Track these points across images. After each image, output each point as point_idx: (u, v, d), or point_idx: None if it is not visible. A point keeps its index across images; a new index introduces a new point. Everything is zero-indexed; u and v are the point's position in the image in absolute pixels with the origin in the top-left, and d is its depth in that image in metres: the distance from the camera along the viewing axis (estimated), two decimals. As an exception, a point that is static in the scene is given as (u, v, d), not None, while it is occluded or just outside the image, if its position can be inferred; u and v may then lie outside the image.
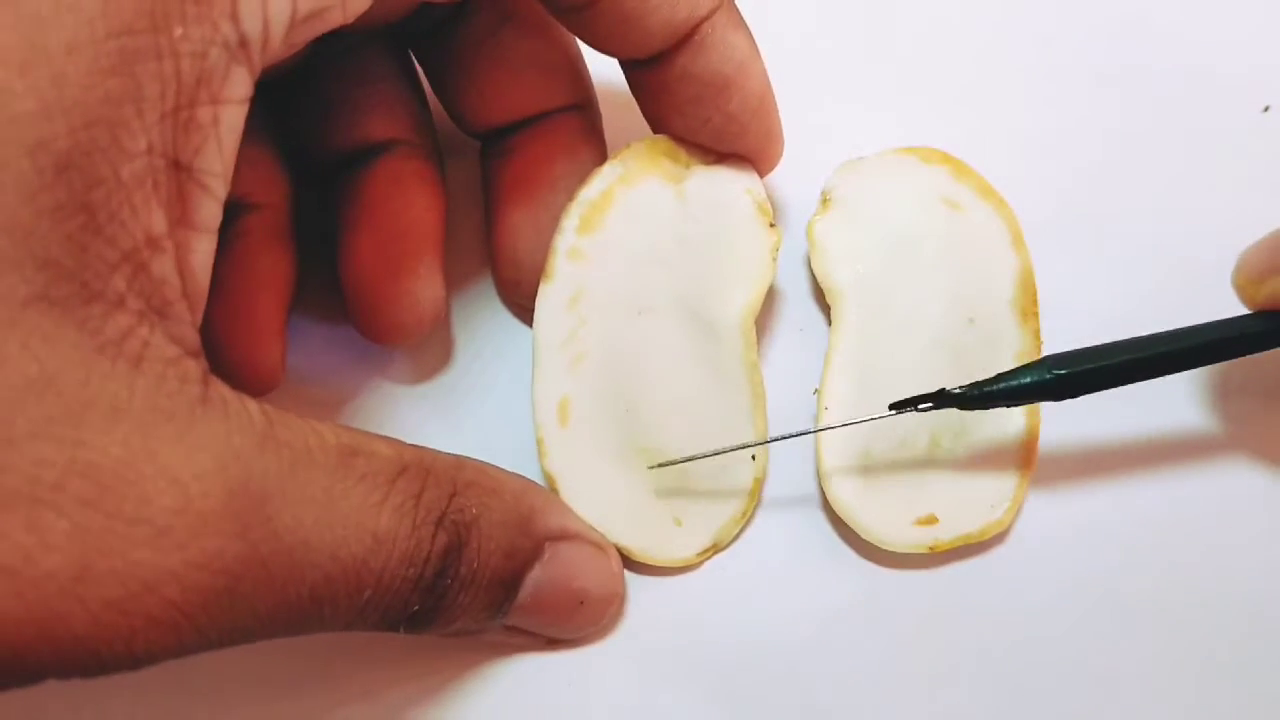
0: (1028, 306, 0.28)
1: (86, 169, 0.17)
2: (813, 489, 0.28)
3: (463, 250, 0.30)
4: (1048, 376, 0.24)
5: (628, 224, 0.27)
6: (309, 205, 0.28)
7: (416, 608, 0.22)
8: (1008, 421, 0.27)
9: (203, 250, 0.20)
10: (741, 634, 0.26)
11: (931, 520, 0.26)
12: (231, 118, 0.19)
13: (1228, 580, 0.27)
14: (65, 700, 0.25)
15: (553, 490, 0.26)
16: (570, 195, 0.27)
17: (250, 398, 0.20)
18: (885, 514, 0.26)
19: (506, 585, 0.23)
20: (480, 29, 0.27)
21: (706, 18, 0.25)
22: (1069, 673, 0.26)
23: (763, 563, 0.27)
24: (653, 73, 0.26)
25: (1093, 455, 0.28)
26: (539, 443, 0.26)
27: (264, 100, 0.26)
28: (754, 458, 0.26)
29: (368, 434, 0.21)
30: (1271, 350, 0.25)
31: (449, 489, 0.22)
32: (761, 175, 0.28)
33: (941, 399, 0.25)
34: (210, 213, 0.20)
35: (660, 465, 0.26)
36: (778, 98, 0.27)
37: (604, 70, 0.28)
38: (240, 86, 0.19)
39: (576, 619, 0.25)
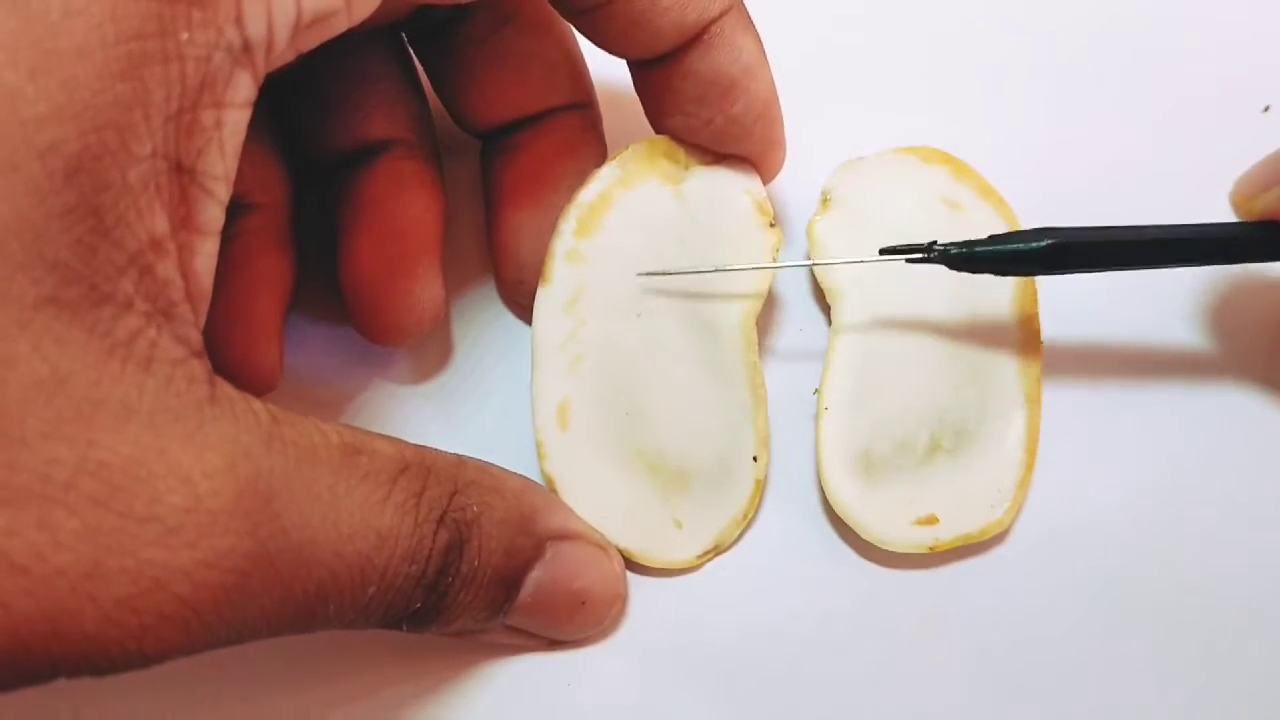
0: (1028, 306, 0.28)
1: (95, 172, 0.17)
2: (813, 489, 0.28)
3: (463, 250, 0.30)
4: (1040, 244, 0.24)
5: (626, 226, 0.27)
6: (309, 206, 0.28)
7: (419, 605, 0.22)
8: (1008, 422, 0.27)
9: (205, 252, 0.20)
10: (742, 634, 0.26)
11: (931, 520, 0.26)
12: (234, 121, 0.19)
13: (1227, 580, 0.27)
14: (67, 698, 0.25)
15: (553, 491, 0.26)
16: (571, 194, 0.27)
17: (255, 398, 0.20)
18: (885, 514, 0.26)
19: (507, 584, 0.23)
20: (481, 28, 0.27)
21: (717, 18, 0.25)
22: (1069, 673, 0.26)
23: (763, 563, 0.27)
24: (659, 71, 0.26)
25: (1093, 456, 0.28)
26: (538, 445, 0.26)
27: (263, 100, 0.26)
28: (755, 459, 0.26)
29: (369, 433, 0.22)
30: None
31: (450, 487, 0.22)
32: (764, 182, 0.28)
33: (931, 253, 0.25)
34: (213, 215, 0.20)
35: (644, 274, 0.26)
36: (779, 97, 0.27)
37: (604, 70, 0.28)
38: (243, 90, 0.19)
39: (578, 620, 0.25)
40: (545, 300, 0.26)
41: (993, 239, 0.25)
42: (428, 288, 0.27)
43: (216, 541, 0.18)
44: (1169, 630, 0.26)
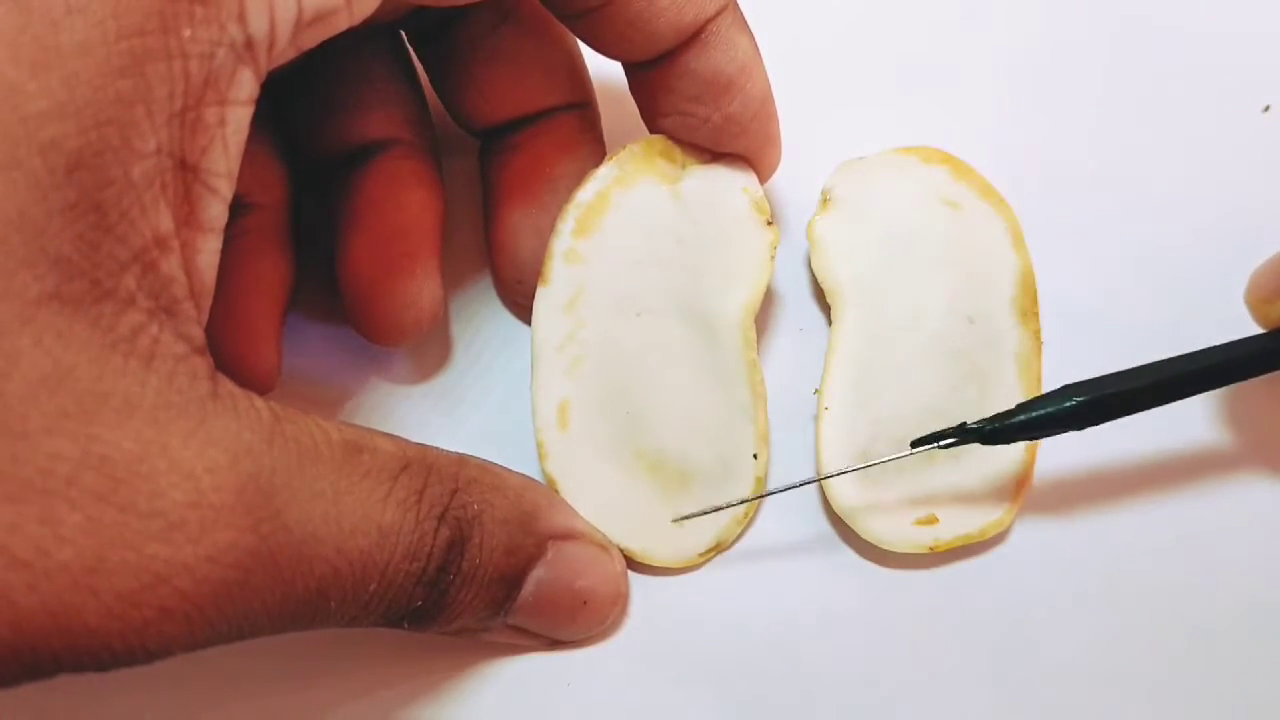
0: (1028, 306, 0.28)
1: (97, 168, 0.18)
2: (813, 489, 0.28)
3: (462, 250, 0.30)
4: (1069, 404, 0.24)
5: (625, 226, 0.27)
6: (308, 205, 0.28)
7: (420, 603, 0.22)
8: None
9: (209, 250, 0.20)
10: (742, 634, 0.26)
11: (931, 520, 0.26)
12: (237, 119, 0.19)
13: (1227, 580, 0.27)
14: (67, 697, 0.25)
15: (554, 490, 0.26)
16: (569, 194, 0.27)
17: (257, 395, 0.20)
18: (885, 514, 0.26)
19: (508, 583, 0.23)
20: (480, 27, 0.27)
21: (713, 18, 0.25)
22: (1069, 673, 0.26)
23: (763, 563, 0.27)
24: (654, 72, 0.26)
25: (1093, 456, 0.28)
26: (539, 445, 0.26)
27: (263, 99, 0.26)
28: (755, 457, 0.26)
29: (370, 431, 0.22)
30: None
31: (451, 485, 0.22)
32: (761, 181, 0.28)
33: (964, 434, 0.25)
34: (216, 212, 0.20)
35: (682, 519, 0.26)
36: (779, 97, 0.27)
37: (604, 70, 0.28)
38: (246, 88, 0.19)
39: (579, 620, 0.25)
40: (544, 300, 0.26)
41: (1020, 407, 0.25)
42: (426, 287, 0.27)
43: (219, 537, 0.18)
44: (1168, 630, 0.26)
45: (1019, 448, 0.27)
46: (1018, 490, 0.27)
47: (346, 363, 0.29)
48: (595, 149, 0.28)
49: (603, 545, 0.25)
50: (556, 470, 0.26)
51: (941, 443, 0.25)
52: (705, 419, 0.26)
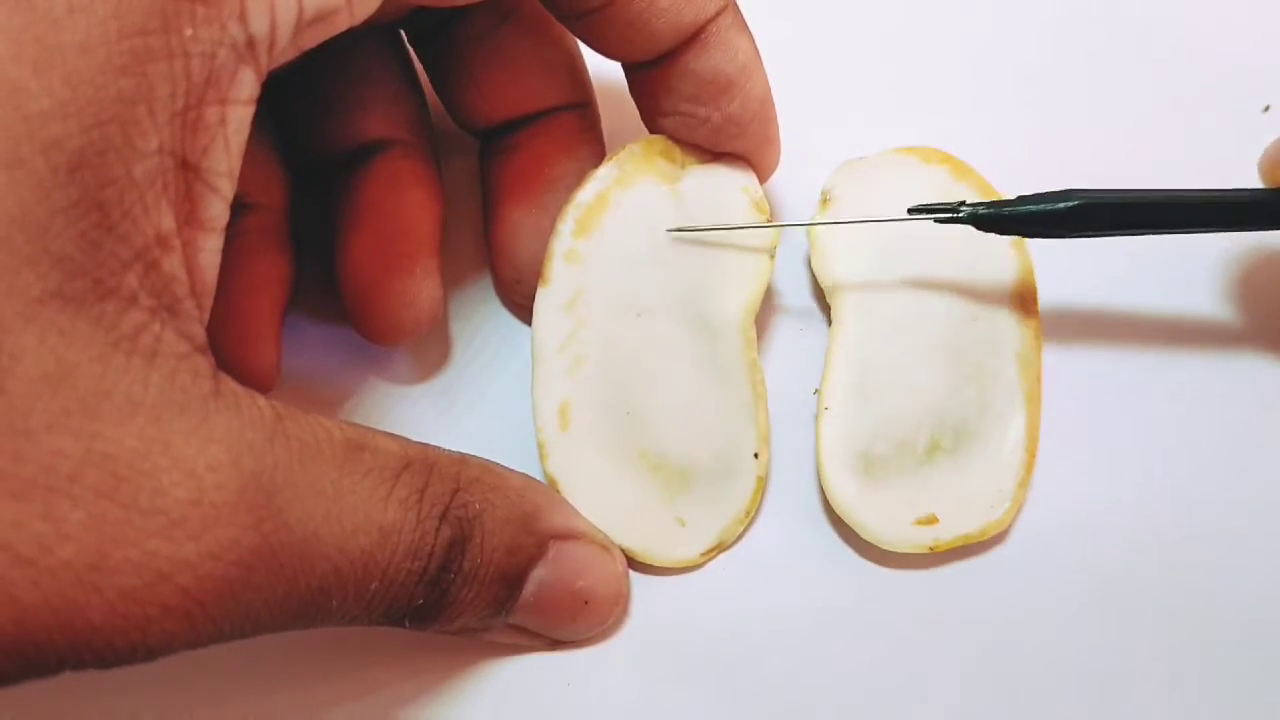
0: (1028, 306, 0.28)
1: (100, 167, 0.18)
2: (813, 489, 0.28)
3: (463, 250, 0.30)
4: (1068, 204, 0.24)
5: (624, 226, 0.27)
6: (308, 206, 0.28)
7: (421, 601, 0.22)
8: (1008, 422, 0.27)
9: (210, 249, 0.20)
10: (742, 634, 0.26)
11: (931, 520, 0.26)
12: (239, 118, 0.19)
13: (1228, 580, 0.27)
14: (69, 696, 0.25)
15: (556, 491, 0.26)
16: (569, 194, 0.27)
17: (259, 394, 0.20)
18: (885, 514, 0.26)
19: (510, 582, 0.23)
20: (480, 27, 0.27)
21: (713, 19, 0.25)
22: (1069, 673, 0.26)
23: (763, 563, 0.27)
24: (654, 72, 0.26)
25: (1093, 456, 0.28)
26: (540, 445, 0.26)
27: (263, 100, 0.26)
28: (756, 456, 0.26)
29: (372, 430, 0.22)
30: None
31: (452, 484, 0.22)
32: (760, 181, 0.28)
33: (958, 212, 0.25)
34: (217, 212, 0.20)
35: (674, 231, 0.26)
36: (779, 97, 0.27)
37: (604, 70, 0.28)
38: (247, 87, 0.19)
39: (580, 620, 0.25)
40: (545, 301, 0.26)
41: (1021, 199, 0.25)
42: (425, 287, 0.27)
43: (220, 534, 0.18)
44: (1169, 630, 0.26)
45: (1019, 448, 0.27)
46: (1018, 490, 0.27)
47: (346, 363, 0.29)
48: (595, 149, 0.28)
49: (604, 545, 0.25)
50: (557, 470, 0.26)
51: (936, 215, 0.25)
52: (706, 418, 0.26)
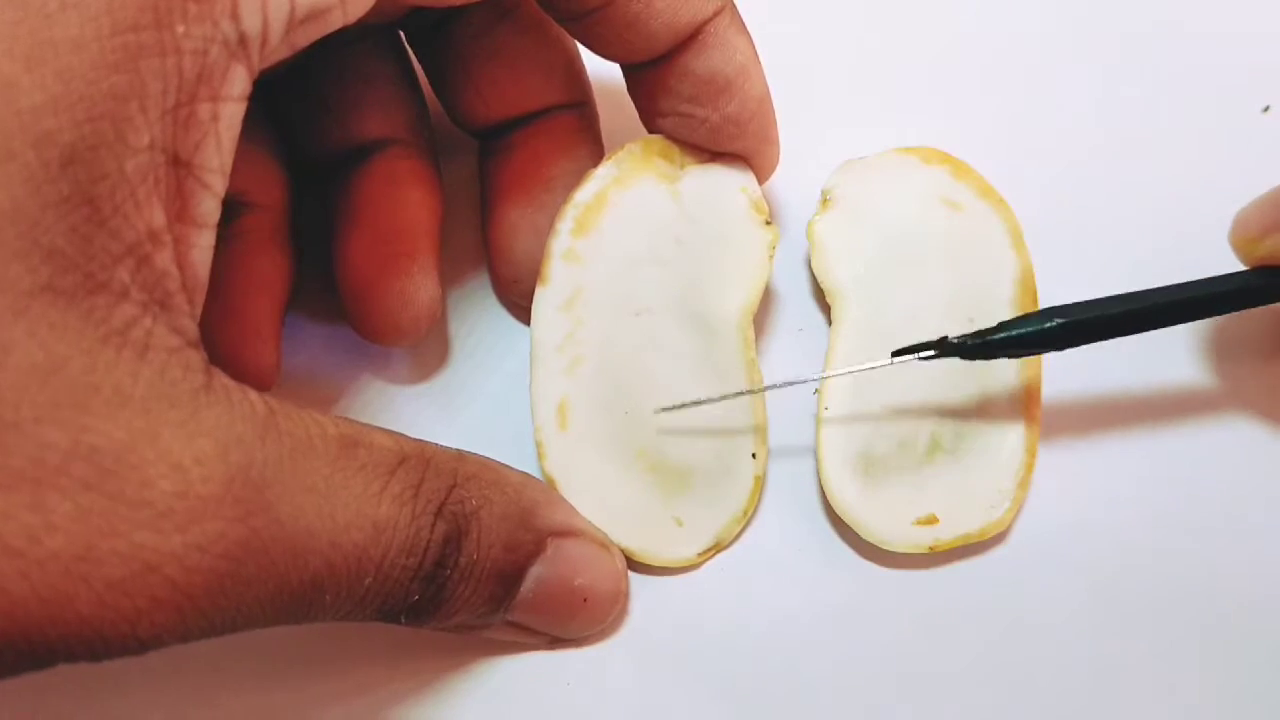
0: (1028, 306, 0.28)
1: (91, 162, 0.18)
2: (813, 489, 0.27)
3: (462, 250, 0.30)
4: (1048, 325, 0.25)
5: (623, 225, 0.27)
6: (307, 206, 0.28)
7: (416, 598, 0.22)
8: (1008, 422, 0.27)
9: (202, 245, 0.20)
10: (742, 634, 0.26)
11: (931, 520, 0.26)
12: (230, 115, 0.20)
13: (1227, 580, 0.27)
14: (66, 695, 0.25)
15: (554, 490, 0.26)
16: (567, 193, 0.27)
17: (251, 389, 0.20)
18: (885, 514, 0.26)
19: (507, 579, 0.23)
20: (477, 26, 0.27)
21: (710, 19, 0.25)
22: (1068, 672, 0.26)
23: (763, 563, 0.27)
24: (652, 72, 0.26)
25: (1092, 456, 0.28)
26: (538, 444, 0.26)
27: (262, 100, 0.26)
28: (754, 455, 0.26)
29: (368, 426, 0.22)
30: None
31: (449, 480, 0.22)
32: (760, 181, 0.28)
33: (944, 347, 0.25)
34: (209, 208, 0.20)
35: (665, 410, 0.26)
36: (779, 97, 0.27)
37: (603, 70, 0.28)
38: (239, 84, 0.20)
39: (579, 617, 0.25)
40: (543, 300, 0.26)
41: (1002, 325, 0.25)
42: (424, 286, 0.27)
43: (207, 527, 0.18)
44: (1168, 630, 0.26)
45: (1019, 448, 0.27)
46: (1018, 490, 0.27)
47: (345, 362, 0.29)
48: (593, 148, 0.28)
49: (603, 543, 0.25)
50: (556, 469, 0.26)
51: (921, 354, 0.25)
52: (704, 418, 0.26)
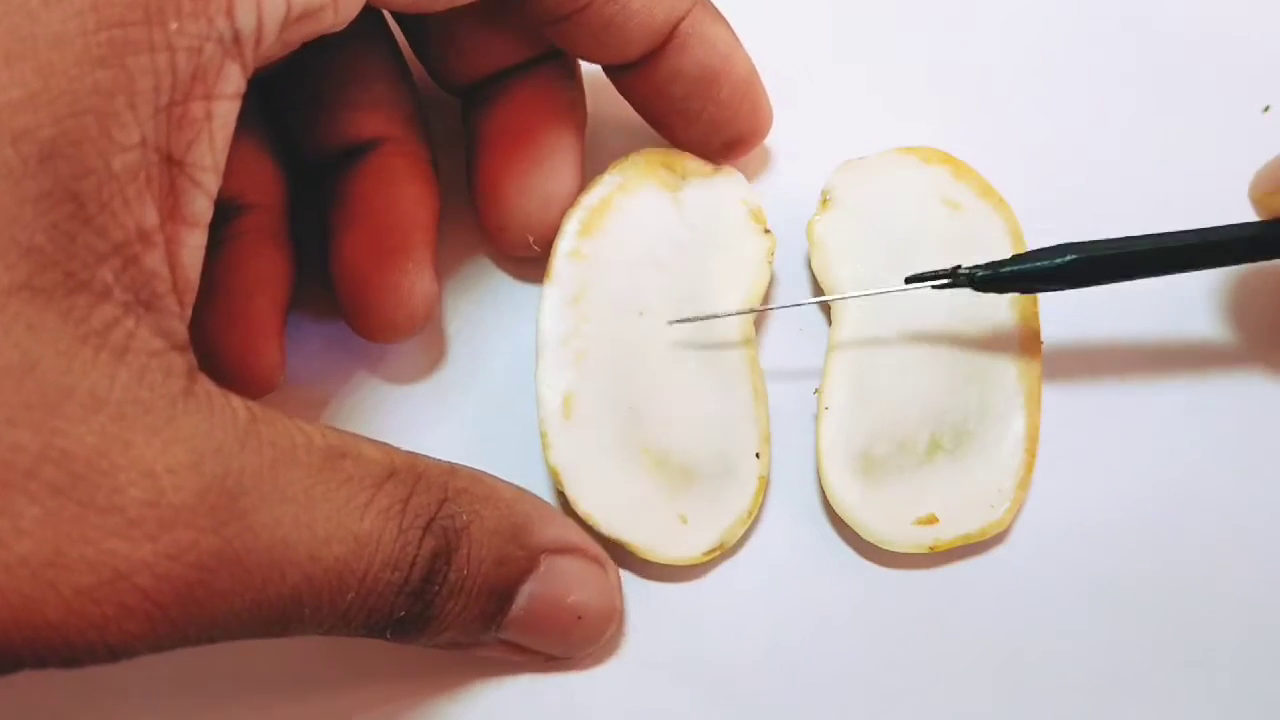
0: (1028, 306, 0.28)
1: (74, 158, 0.17)
2: (813, 490, 0.28)
3: (460, 248, 0.30)
4: (1062, 260, 0.24)
5: (627, 229, 0.27)
6: (306, 205, 0.28)
7: (403, 613, 0.21)
8: (1008, 422, 0.27)
9: (193, 245, 0.20)
10: (742, 634, 0.26)
11: (931, 520, 0.26)
12: (224, 113, 0.19)
13: (1228, 580, 0.27)
14: (63, 698, 0.25)
15: (558, 484, 0.26)
16: (551, 140, 0.27)
17: (236, 395, 0.20)
18: (885, 514, 0.26)
19: (499, 595, 0.23)
20: None
21: (684, 16, 0.25)
22: (1069, 673, 0.26)
23: (763, 563, 0.27)
24: (640, 77, 0.26)
25: (1093, 456, 0.28)
26: (543, 436, 0.26)
27: (257, 99, 0.26)
28: (758, 456, 0.26)
29: (358, 437, 0.21)
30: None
31: (440, 494, 0.22)
32: (754, 147, 0.28)
33: (957, 277, 0.25)
34: (201, 207, 0.20)
35: (677, 322, 0.26)
36: (779, 97, 0.27)
37: (600, 70, 0.28)
38: (233, 82, 0.19)
39: (573, 635, 0.25)
40: (549, 296, 0.27)
41: (1016, 259, 0.25)
42: (418, 282, 0.26)
43: (178, 535, 0.18)
44: (1169, 630, 0.26)
45: (1019, 448, 0.27)
46: (1018, 490, 0.27)
47: (344, 361, 0.28)
48: (575, 95, 0.28)
49: (599, 559, 0.25)
50: (561, 462, 0.26)
51: (934, 282, 0.25)
52: (707, 417, 0.27)
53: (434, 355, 0.29)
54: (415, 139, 0.28)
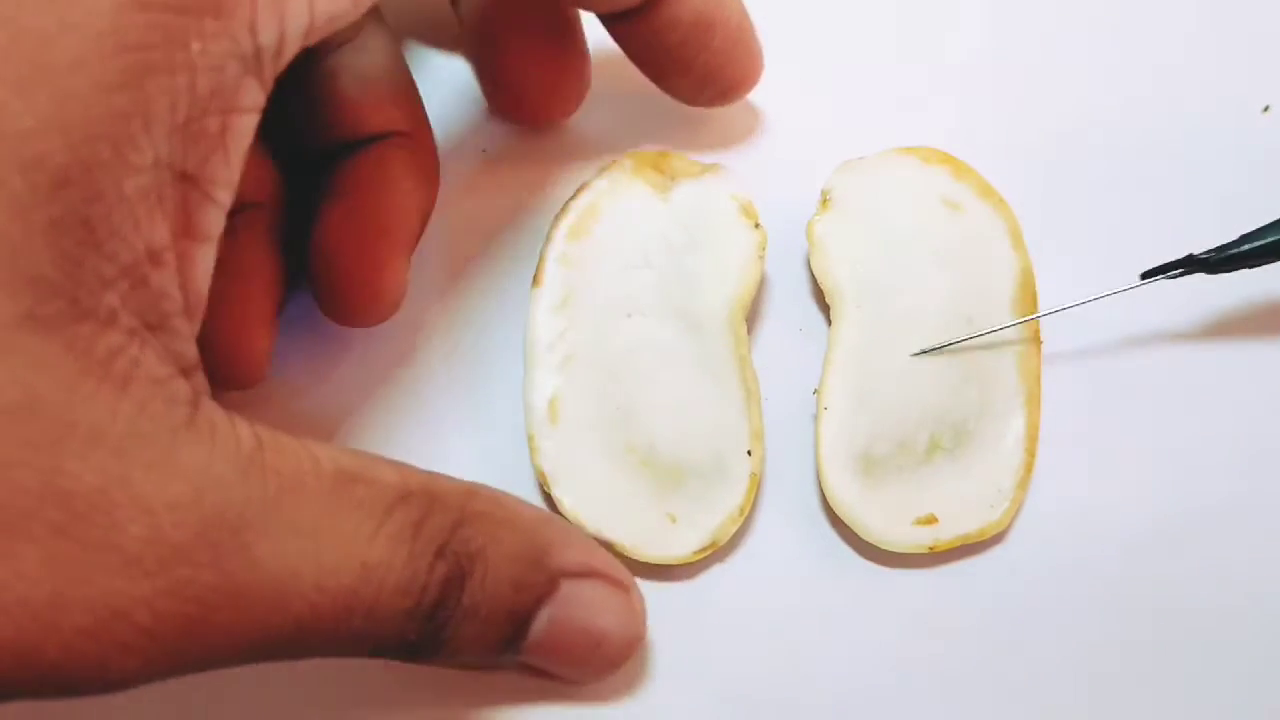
0: (1028, 306, 0.28)
1: (86, 184, 0.17)
2: (812, 489, 0.27)
3: (451, 251, 0.30)
4: None
5: (615, 231, 0.27)
6: (304, 205, 0.28)
7: (414, 638, 0.21)
8: (1008, 422, 0.27)
9: (203, 260, 0.19)
10: (741, 634, 0.26)
11: (931, 520, 0.26)
12: (242, 127, 0.19)
13: (1228, 580, 0.27)
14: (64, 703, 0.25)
15: (544, 486, 0.26)
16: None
17: (244, 420, 0.19)
18: (885, 514, 0.26)
19: (515, 620, 0.22)
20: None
21: None
22: (1068, 673, 0.26)
23: (762, 563, 0.27)
24: (638, 25, 0.27)
25: (1093, 456, 0.28)
26: (530, 439, 0.26)
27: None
28: (750, 453, 0.26)
29: (375, 458, 0.21)
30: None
31: (455, 518, 0.21)
32: (745, 94, 0.29)
33: (1190, 264, 0.26)
34: (214, 221, 0.19)
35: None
36: (778, 98, 0.27)
37: (603, 70, 0.28)
38: (252, 96, 0.19)
39: (593, 661, 0.24)
40: (537, 301, 0.27)
41: (1244, 238, 0.25)
42: (387, 270, 0.26)
43: (178, 572, 0.18)
44: (1169, 630, 0.26)
45: (1019, 448, 0.27)
46: (1017, 490, 0.27)
47: (331, 361, 0.28)
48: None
49: (622, 584, 0.24)
50: (547, 465, 0.26)
51: (1171, 273, 0.26)
52: (697, 415, 0.27)
53: (423, 357, 0.29)
54: (421, 135, 0.27)
